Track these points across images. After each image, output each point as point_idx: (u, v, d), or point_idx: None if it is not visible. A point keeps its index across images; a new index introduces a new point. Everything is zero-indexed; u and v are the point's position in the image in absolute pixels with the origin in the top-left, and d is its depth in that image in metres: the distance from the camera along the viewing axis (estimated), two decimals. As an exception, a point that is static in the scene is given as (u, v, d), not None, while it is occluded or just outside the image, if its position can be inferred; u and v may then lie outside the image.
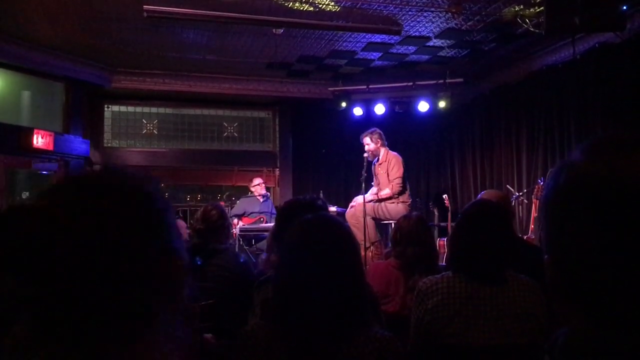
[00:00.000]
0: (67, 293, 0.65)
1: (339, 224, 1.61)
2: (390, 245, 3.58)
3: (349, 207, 6.44)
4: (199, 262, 3.06)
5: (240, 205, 7.94)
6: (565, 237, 0.66)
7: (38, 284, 0.64)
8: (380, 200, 6.30)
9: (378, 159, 6.44)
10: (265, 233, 6.99)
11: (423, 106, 7.96)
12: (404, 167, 6.29)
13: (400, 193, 6.26)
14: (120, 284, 0.67)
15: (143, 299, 0.69)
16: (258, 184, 7.91)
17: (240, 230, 7.26)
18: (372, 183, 6.48)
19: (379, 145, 6.35)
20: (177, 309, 0.74)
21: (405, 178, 6.28)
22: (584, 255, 0.64)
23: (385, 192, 6.23)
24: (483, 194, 3.58)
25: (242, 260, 3.34)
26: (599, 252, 0.62)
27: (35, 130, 7.32)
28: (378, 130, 6.41)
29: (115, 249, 0.67)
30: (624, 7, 4.99)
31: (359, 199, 6.40)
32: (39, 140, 7.33)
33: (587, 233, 0.63)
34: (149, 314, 0.70)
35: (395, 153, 6.41)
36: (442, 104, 7.83)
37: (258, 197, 7.93)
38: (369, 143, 6.35)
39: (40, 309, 0.65)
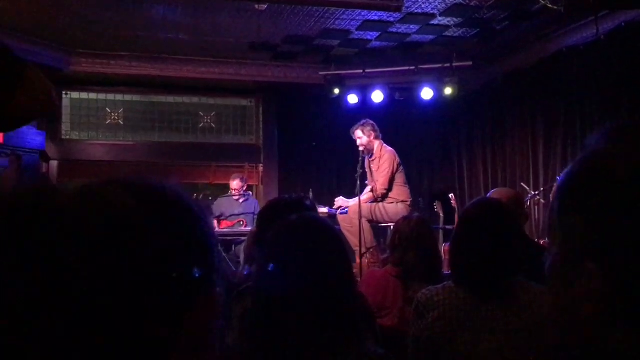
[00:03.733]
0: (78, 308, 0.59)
1: (327, 226, 1.62)
2: (388, 251, 3.59)
3: (336, 205, 6.46)
4: None
5: (217, 206, 7.93)
6: (614, 237, 0.63)
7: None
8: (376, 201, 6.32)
9: (372, 155, 6.46)
10: (245, 238, 6.99)
11: (427, 93, 7.98)
12: (397, 166, 6.31)
13: (384, 196, 6.28)
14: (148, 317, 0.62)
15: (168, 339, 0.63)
16: (234, 190, 7.91)
17: (218, 235, 7.27)
18: (366, 182, 6.49)
19: (372, 138, 6.36)
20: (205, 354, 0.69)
21: (394, 177, 6.29)
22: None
23: (365, 196, 6.25)
24: (492, 193, 3.60)
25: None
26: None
27: (-18, 121, 7.26)
28: (370, 122, 6.42)
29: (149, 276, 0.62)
30: (653, -18, 5.03)
31: (342, 201, 6.42)
32: (-13, 132, 7.29)
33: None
34: None
35: (390, 148, 6.42)
36: (448, 91, 7.85)
37: (234, 197, 7.92)
38: (360, 137, 6.36)
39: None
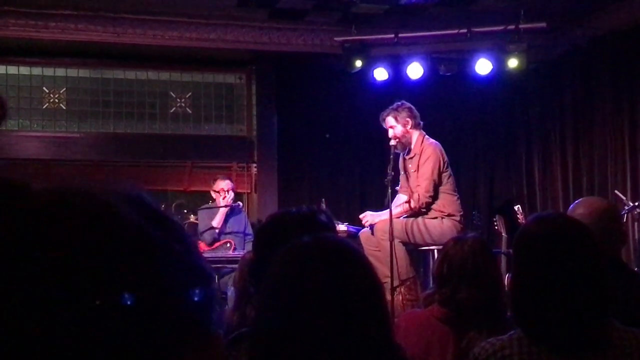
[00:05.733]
0: None
1: (355, 253, 1.62)
2: (432, 284, 3.58)
3: (366, 225, 6.45)
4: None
5: (202, 221, 7.93)
6: None
7: None
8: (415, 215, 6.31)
9: (409, 150, 6.45)
10: (233, 266, 7.00)
11: (483, 66, 7.95)
12: (444, 165, 6.31)
13: (429, 206, 6.27)
14: None
15: None
16: (218, 192, 7.89)
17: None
18: (397, 188, 6.48)
19: (408, 127, 6.36)
20: None
21: (440, 181, 6.28)
22: None
23: (399, 208, 6.23)
24: (577, 205, 3.58)
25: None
26: None
27: None
28: (406, 105, 6.42)
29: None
30: None
31: (370, 216, 6.40)
32: None
33: None
34: None
35: (434, 141, 6.42)
36: (513, 63, 7.83)
37: (220, 206, 7.92)
38: (393, 125, 6.36)
39: None
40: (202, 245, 7.68)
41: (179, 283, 0.69)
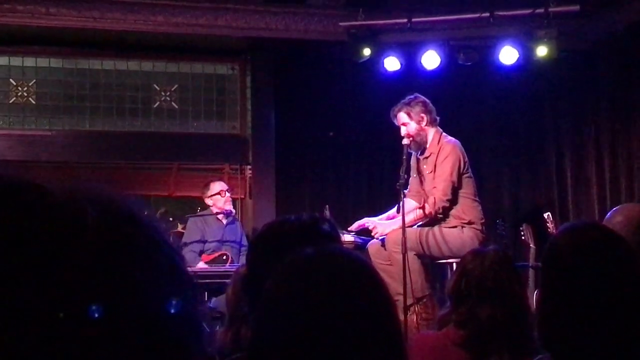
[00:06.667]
0: None
1: (362, 266, 1.63)
2: (448, 303, 3.59)
3: (377, 237, 6.44)
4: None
5: (189, 232, 7.94)
6: None
7: None
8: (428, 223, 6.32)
9: (424, 150, 6.45)
10: (228, 281, 7.00)
11: (508, 54, 7.96)
12: (464, 165, 6.31)
13: (447, 211, 6.26)
14: None
15: None
16: (218, 193, 7.90)
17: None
18: (406, 190, 6.46)
19: (423, 124, 6.36)
20: None
21: (460, 183, 6.29)
22: None
23: (411, 215, 6.21)
24: (614, 212, 3.59)
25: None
26: None
27: None
28: (421, 99, 6.42)
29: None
30: None
31: (380, 226, 6.38)
32: None
33: None
34: None
35: (452, 139, 6.42)
36: (541, 51, 7.83)
37: (219, 218, 7.92)
38: (406, 122, 6.36)
39: None
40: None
41: (157, 294, 0.69)
